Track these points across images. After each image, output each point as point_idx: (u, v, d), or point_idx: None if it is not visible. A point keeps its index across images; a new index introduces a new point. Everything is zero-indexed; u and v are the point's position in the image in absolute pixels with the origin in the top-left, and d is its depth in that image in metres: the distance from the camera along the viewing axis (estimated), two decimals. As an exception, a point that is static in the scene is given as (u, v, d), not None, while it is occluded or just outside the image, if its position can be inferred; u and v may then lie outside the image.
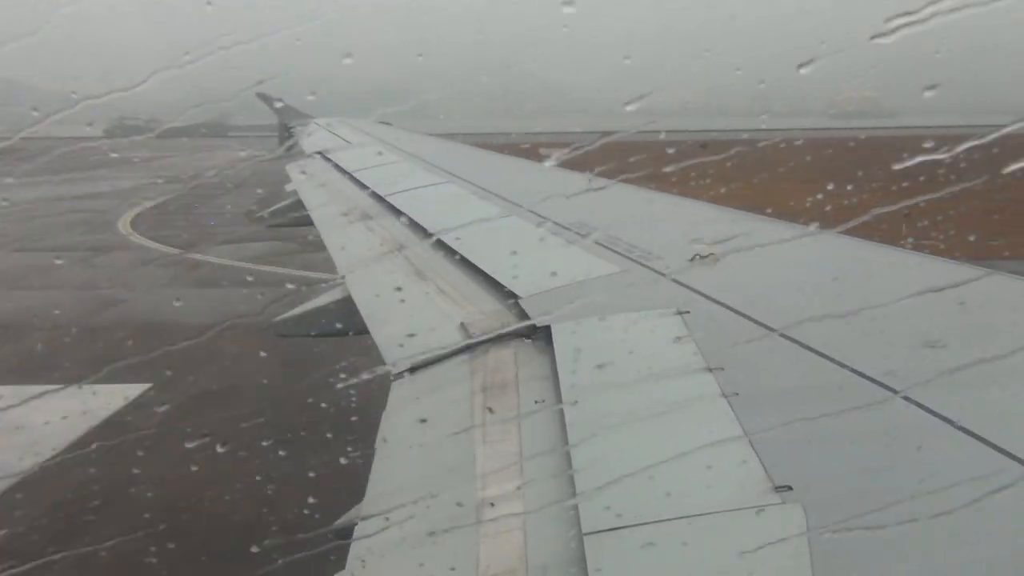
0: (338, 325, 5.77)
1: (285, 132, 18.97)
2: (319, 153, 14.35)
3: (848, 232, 3.96)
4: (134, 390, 13.51)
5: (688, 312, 4.13)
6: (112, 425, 12.35)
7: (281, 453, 8.03)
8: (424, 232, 7.13)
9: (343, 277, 6.35)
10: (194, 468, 8.18)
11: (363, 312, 5.42)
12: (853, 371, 3.23)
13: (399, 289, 5.84)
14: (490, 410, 2.80)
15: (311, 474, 5.72)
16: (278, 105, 19.99)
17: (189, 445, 9.06)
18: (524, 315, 4.53)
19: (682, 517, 2.42)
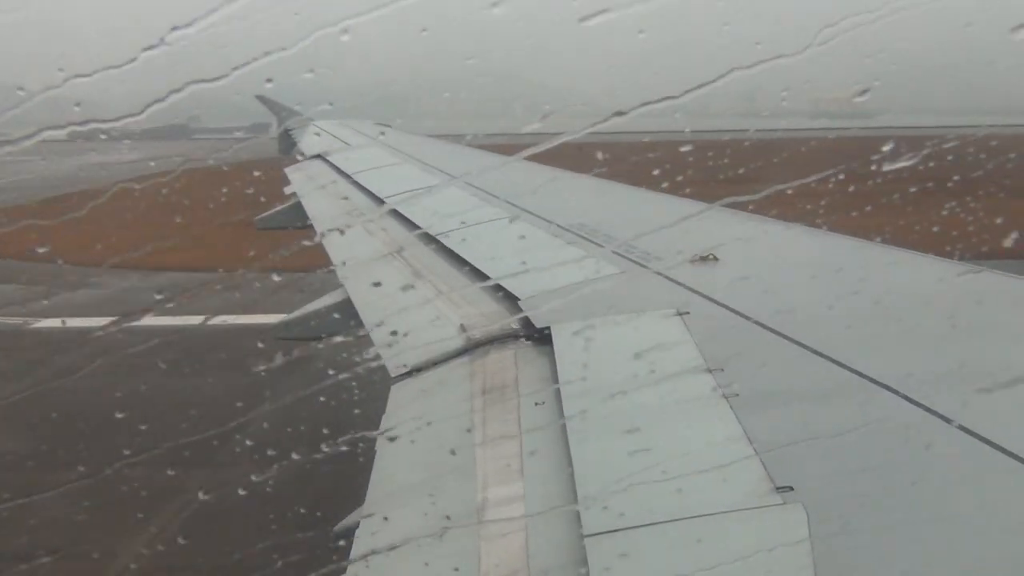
0: (337, 327, 5.76)
1: (285, 135, 18.95)
2: (318, 155, 14.35)
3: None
4: None
5: (688, 313, 4.13)
6: None
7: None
8: (423, 234, 7.12)
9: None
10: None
11: (362, 314, 5.42)
12: (853, 371, 3.23)
13: (398, 291, 5.85)
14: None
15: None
16: (266, 100, 19.99)
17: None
18: (524, 316, 4.53)
19: (683, 518, 2.42)
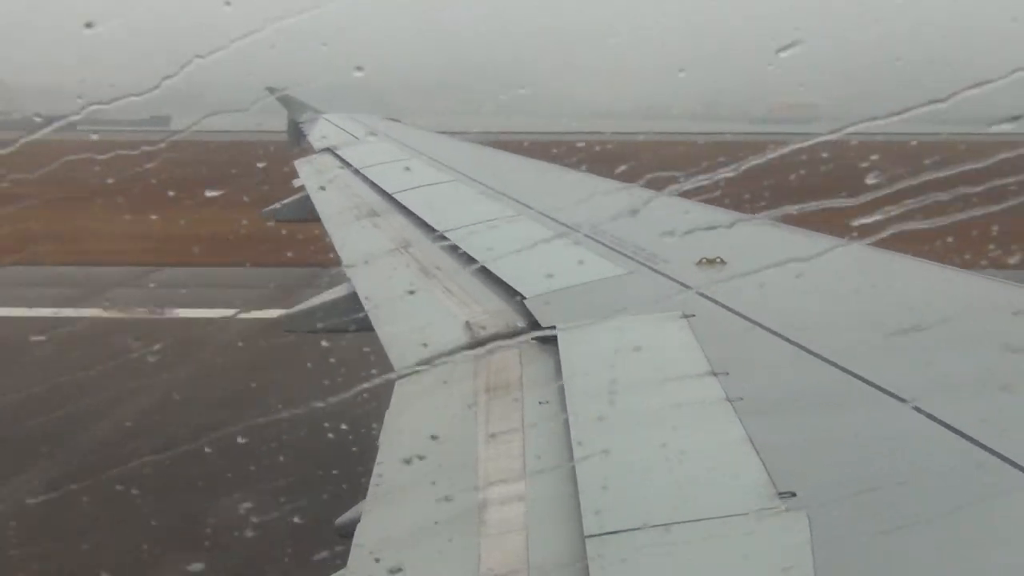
0: (343, 322, 5.77)
1: (295, 128, 18.97)
2: (327, 149, 14.37)
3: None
4: None
5: (693, 316, 4.11)
6: None
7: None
8: (431, 230, 7.13)
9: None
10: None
11: (368, 309, 5.42)
12: (859, 378, 3.21)
13: (405, 287, 5.85)
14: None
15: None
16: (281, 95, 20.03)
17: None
18: (529, 316, 4.53)
19: (684, 521, 2.41)
